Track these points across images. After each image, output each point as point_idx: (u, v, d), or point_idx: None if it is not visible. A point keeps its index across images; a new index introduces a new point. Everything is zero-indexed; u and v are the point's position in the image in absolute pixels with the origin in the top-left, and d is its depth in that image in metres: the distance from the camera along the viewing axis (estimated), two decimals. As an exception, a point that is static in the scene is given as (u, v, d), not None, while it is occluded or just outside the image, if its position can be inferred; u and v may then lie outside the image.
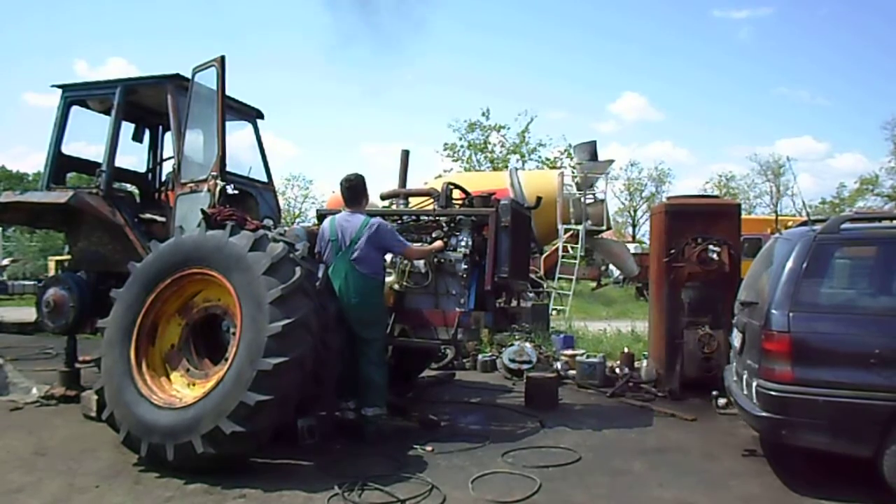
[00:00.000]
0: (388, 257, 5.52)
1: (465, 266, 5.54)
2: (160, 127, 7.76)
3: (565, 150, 27.55)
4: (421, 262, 5.61)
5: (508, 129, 28.14)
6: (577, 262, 13.91)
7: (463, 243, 5.63)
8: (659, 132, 75.39)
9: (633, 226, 48.61)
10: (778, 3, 71.73)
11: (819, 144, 69.97)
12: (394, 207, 6.28)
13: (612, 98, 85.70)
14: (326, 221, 5.36)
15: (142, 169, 7.90)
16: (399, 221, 5.94)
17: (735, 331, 5.18)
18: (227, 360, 4.43)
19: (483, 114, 28.05)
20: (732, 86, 72.85)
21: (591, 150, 14.72)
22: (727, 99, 74.56)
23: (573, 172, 14.82)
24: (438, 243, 5.59)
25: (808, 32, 71.68)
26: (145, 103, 7.18)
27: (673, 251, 7.01)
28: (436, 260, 5.60)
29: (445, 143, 28.52)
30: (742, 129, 72.28)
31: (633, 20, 77.82)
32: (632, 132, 72.29)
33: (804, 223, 4.75)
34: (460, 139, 28.15)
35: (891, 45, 66.30)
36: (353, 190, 5.33)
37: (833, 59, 70.92)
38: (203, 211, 5.14)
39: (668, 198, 8.50)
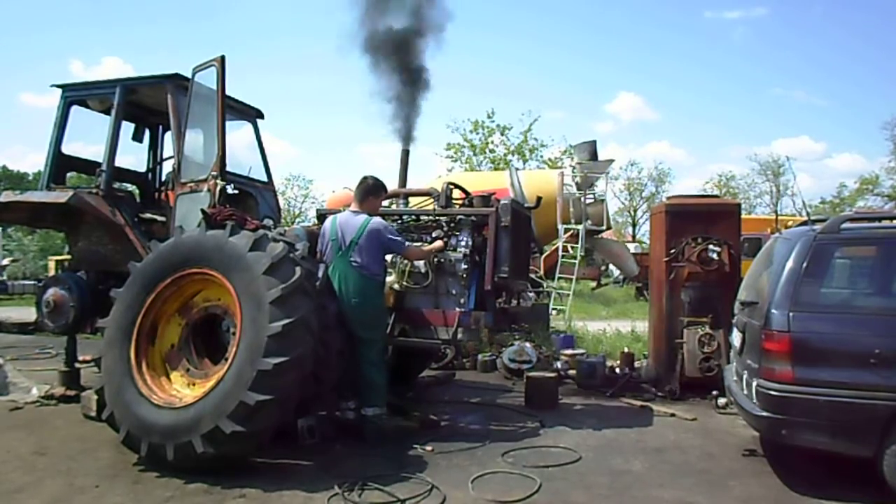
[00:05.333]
0: (388, 257, 5.52)
1: (465, 266, 5.54)
2: (160, 127, 7.76)
3: (565, 150, 27.50)
4: (421, 262, 5.60)
5: (511, 128, 28.10)
6: (577, 262, 13.88)
7: (463, 243, 5.63)
8: (656, 132, 75.56)
9: (633, 226, 48.59)
10: (772, 3, 71.86)
11: (816, 144, 69.98)
12: (394, 207, 6.28)
13: (609, 98, 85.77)
14: (328, 221, 5.36)
15: (142, 169, 7.90)
16: (399, 221, 5.95)
17: (735, 331, 5.18)
18: (227, 359, 4.43)
19: (489, 115, 27.99)
20: (728, 86, 73.08)
21: (590, 149, 14.68)
22: (723, 99, 74.81)
23: (573, 172, 14.76)
24: (438, 243, 5.58)
25: (803, 32, 71.88)
26: (145, 103, 7.18)
27: (673, 251, 7.02)
28: (436, 260, 5.60)
29: (449, 143, 28.44)
30: (739, 129, 72.41)
31: (626, 20, 78.05)
32: (629, 132, 72.46)
33: (804, 223, 4.75)
34: (464, 138, 28.06)
35: (886, 44, 66.39)
36: (366, 190, 5.31)
37: (828, 58, 71.13)
38: (203, 211, 5.14)
39: (668, 198, 8.50)
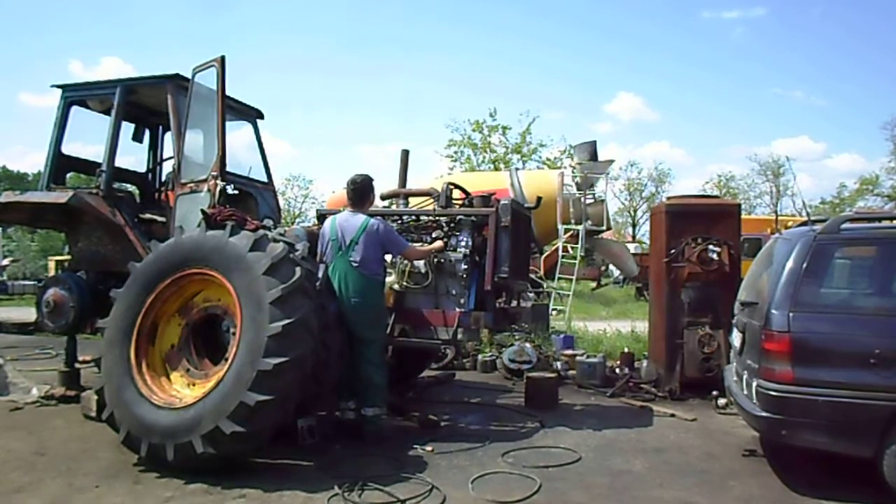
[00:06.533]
0: (388, 257, 5.53)
1: (465, 266, 5.55)
2: (160, 127, 7.76)
3: (565, 150, 27.49)
4: (421, 262, 5.61)
5: (510, 128, 28.09)
6: (577, 262, 13.88)
7: (463, 243, 5.63)
8: (655, 132, 75.53)
9: (633, 226, 48.58)
10: (771, 2, 71.83)
11: (816, 145, 69.83)
12: (394, 207, 6.28)
13: (608, 98, 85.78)
14: (327, 221, 5.37)
15: (142, 169, 7.90)
16: (399, 221, 5.95)
17: (735, 331, 5.18)
18: (227, 360, 4.43)
19: (491, 114, 27.97)
20: (727, 86, 72.91)
21: (591, 150, 14.67)
22: (722, 99, 74.75)
23: (573, 172, 14.75)
24: (438, 243, 5.59)
25: (802, 32, 71.73)
26: (145, 103, 7.18)
27: (673, 251, 7.02)
28: (436, 260, 5.60)
29: (451, 140, 28.39)
30: (738, 129, 72.39)
31: (625, 20, 78.01)
32: (628, 132, 72.36)
33: (804, 223, 4.75)
34: (465, 137, 28.04)
35: (886, 44, 66.37)
36: (359, 191, 5.33)
37: (827, 58, 71.03)
38: (203, 211, 5.14)
39: (669, 198, 8.50)
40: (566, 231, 13.79)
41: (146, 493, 3.99)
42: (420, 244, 5.68)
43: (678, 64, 75.44)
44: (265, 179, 7.41)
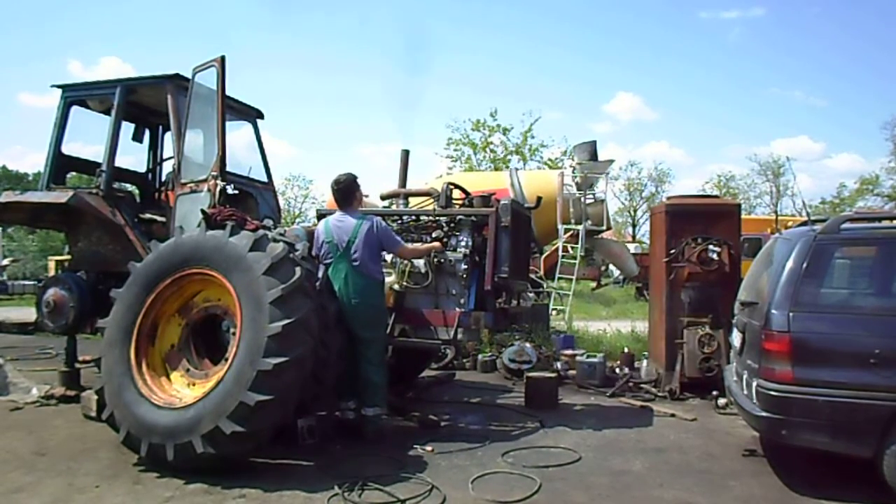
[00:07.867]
0: (389, 257, 5.53)
1: (465, 266, 5.55)
2: (160, 127, 7.76)
3: (565, 151, 27.45)
4: (421, 262, 5.61)
5: (512, 128, 28.07)
6: (577, 262, 13.87)
7: (463, 243, 5.64)
8: (654, 132, 75.42)
9: (633, 226, 48.54)
10: (769, 2, 71.79)
11: (815, 145, 69.66)
12: (394, 207, 6.29)
13: (607, 98, 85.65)
14: (321, 223, 5.38)
15: (142, 169, 7.90)
16: (399, 221, 5.95)
17: (735, 331, 5.18)
18: (227, 360, 4.43)
19: (491, 114, 27.95)
20: (726, 85, 72.72)
21: (591, 150, 14.65)
22: (721, 99, 74.59)
23: (573, 173, 14.74)
24: (435, 243, 5.59)
25: (800, 32, 71.59)
26: (145, 103, 7.19)
27: (673, 251, 7.02)
28: (436, 260, 5.60)
29: (450, 138, 28.35)
30: (737, 129, 72.22)
31: (623, 20, 77.91)
32: (628, 132, 72.21)
33: (804, 223, 4.76)
34: (465, 136, 28.00)
35: (885, 44, 66.31)
36: (344, 192, 5.32)
37: (826, 58, 70.89)
38: (203, 211, 5.14)
39: (669, 198, 8.50)
40: (566, 231, 13.78)
41: (146, 493, 3.99)
42: (419, 244, 5.68)
43: (677, 64, 75.44)
44: (265, 179, 7.41)
